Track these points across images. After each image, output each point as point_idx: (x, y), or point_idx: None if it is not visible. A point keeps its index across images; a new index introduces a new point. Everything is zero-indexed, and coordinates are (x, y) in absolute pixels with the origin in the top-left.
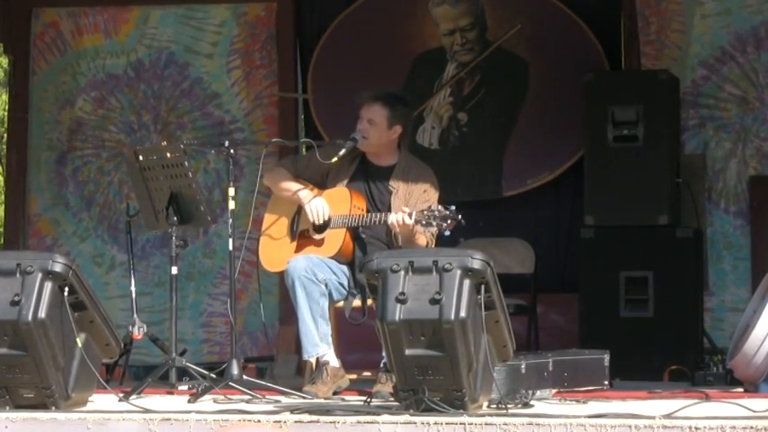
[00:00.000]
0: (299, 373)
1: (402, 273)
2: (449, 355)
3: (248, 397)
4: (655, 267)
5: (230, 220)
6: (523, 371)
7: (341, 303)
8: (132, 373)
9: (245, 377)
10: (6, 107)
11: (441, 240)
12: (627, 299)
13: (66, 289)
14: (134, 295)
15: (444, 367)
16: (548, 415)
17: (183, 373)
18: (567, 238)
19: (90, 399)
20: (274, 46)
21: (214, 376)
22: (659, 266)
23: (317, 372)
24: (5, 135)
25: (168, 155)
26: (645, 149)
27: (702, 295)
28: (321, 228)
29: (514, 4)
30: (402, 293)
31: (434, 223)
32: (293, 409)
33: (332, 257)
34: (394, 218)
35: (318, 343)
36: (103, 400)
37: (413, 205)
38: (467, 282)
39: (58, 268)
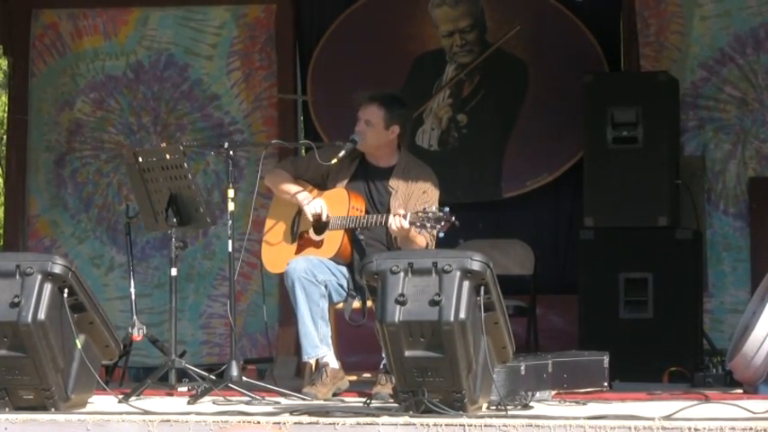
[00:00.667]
0: (299, 375)
1: (401, 274)
2: (448, 356)
3: (248, 398)
4: (654, 269)
5: (230, 222)
6: (523, 372)
7: (341, 305)
8: (132, 374)
9: (244, 378)
10: (6, 108)
11: (439, 242)
12: (626, 300)
13: (66, 290)
14: (134, 297)
15: (444, 369)
16: (547, 416)
17: (183, 375)
18: (566, 239)
19: (89, 400)
20: (274, 47)
21: (214, 378)
22: (659, 268)
23: (316, 373)
24: (5, 136)
25: (168, 156)
26: (644, 151)
27: (702, 297)
28: (320, 229)
29: (514, 6)
30: (401, 295)
31: (428, 225)
32: (293, 411)
33: (331, 258)
34: (391, 221)
35: (318, 344)
36: (103, 402)
37: (411, 206)
38: (466, 283)
39: (57, 270)
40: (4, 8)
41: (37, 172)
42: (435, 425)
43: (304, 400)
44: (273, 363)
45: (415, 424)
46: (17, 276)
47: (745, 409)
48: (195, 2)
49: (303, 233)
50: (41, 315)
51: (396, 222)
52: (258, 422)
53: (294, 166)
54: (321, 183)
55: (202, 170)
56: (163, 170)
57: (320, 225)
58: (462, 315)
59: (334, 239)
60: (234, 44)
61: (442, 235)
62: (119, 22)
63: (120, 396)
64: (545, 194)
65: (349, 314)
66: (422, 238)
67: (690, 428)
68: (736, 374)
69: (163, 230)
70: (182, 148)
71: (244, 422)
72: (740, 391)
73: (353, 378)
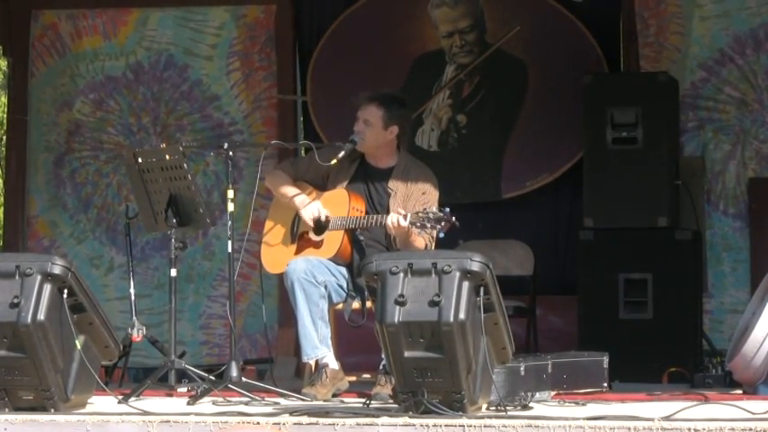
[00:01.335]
0: (299, 375)
1: (401, 275)
2: (448, 357)
3: (247, 399)
4: (654, 269)
5: (229, 223)
6: (522, 373)
7: (340, 305)
8: (131, 375)
9: (244, 379)
10: (6, 109)
11: (439, 242)
12: (626, 301)
13: (66, 291)
14: (133, 297)
15: (443, 369)
16: (547, 417)
17: (183, 375)
18: (566, 240)
19: (89, 401)
20: (273, 48)
21: (213, 378)
22: (658, 268)
23: (316, 374)
24: (5, 137)
25: (167, 157)
26: (644, 151)
27: (701, 297)
28: (321, 229)
29: (513, 6)
30: (401, 295)
31: (428, 225)
32: (292, 411)
33: (330, 259)
34: (390, 220)
35: (318, 345)
36: (103, 402)
37: (411, 207)
38: (466, 284)
39: (57, 270)
40: (4, 8)
41: (36, 172)
42: (435, 425)
43: (303, 400)
44: (273, 363)
45: (414, 424)
46: (17, 277)
47: (745, 409)
48: (195, 2)
49: (303, 234)
50: (41, 316)
51: (393, 219)
52: (258, 423)
53: (294, 167)
54: (321, 184)
55: (202, 171)
56: (162, 171)
57: (320, 225)
58: (462, 316)
59: (334, 240)
60: (233, 45)
61: (442, 235)
62: (118, 22)
63: (120, 397)
64: (545, 195)
65: (348, 315)
66: (421, 240)
67: (689, 429)
68: (736, 375)
69: (162, 231)
70: (181, 148)
71: (243, 423)
72: (740, 391)
73: (353, 379)
